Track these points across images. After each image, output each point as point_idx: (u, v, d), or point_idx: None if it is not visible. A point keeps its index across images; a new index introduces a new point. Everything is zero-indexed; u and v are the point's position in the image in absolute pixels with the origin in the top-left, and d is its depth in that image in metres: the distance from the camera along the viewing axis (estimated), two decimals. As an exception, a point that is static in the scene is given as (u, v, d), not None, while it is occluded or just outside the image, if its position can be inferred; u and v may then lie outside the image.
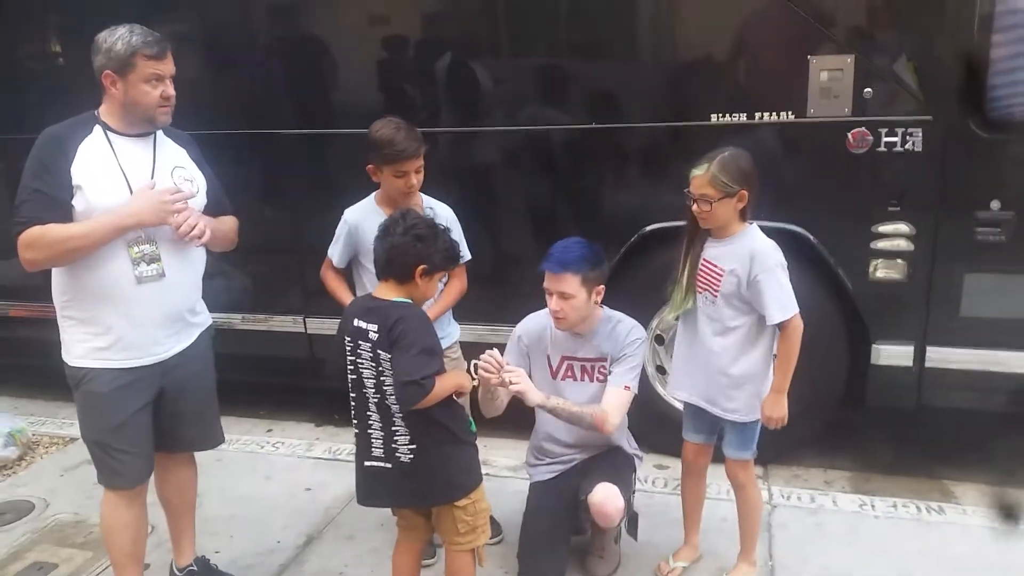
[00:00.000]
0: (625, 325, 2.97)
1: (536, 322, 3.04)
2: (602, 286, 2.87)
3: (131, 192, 2.52)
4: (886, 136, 3.31)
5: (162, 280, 2.58)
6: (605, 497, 2.88)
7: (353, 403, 2.53)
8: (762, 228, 3.39)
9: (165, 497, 2.99)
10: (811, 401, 3.66)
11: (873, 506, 3.50)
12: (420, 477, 2.50)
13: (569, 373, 3.01)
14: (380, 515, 3.47)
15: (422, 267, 2.43)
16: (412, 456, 2.47)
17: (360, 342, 2.44)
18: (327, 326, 4.15)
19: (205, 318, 2.85)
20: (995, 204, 3.26)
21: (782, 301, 2.62)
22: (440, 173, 3.40)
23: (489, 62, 3.85)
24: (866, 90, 3.29)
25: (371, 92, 4.04)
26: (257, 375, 4.65)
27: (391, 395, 2.42)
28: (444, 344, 3.07)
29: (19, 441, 4.26)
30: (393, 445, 2.48)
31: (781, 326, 2.65)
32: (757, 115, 3.43)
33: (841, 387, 3.67)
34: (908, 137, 3.29)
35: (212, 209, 2.75)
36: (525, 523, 3.10)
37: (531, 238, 3.86)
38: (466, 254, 3.04)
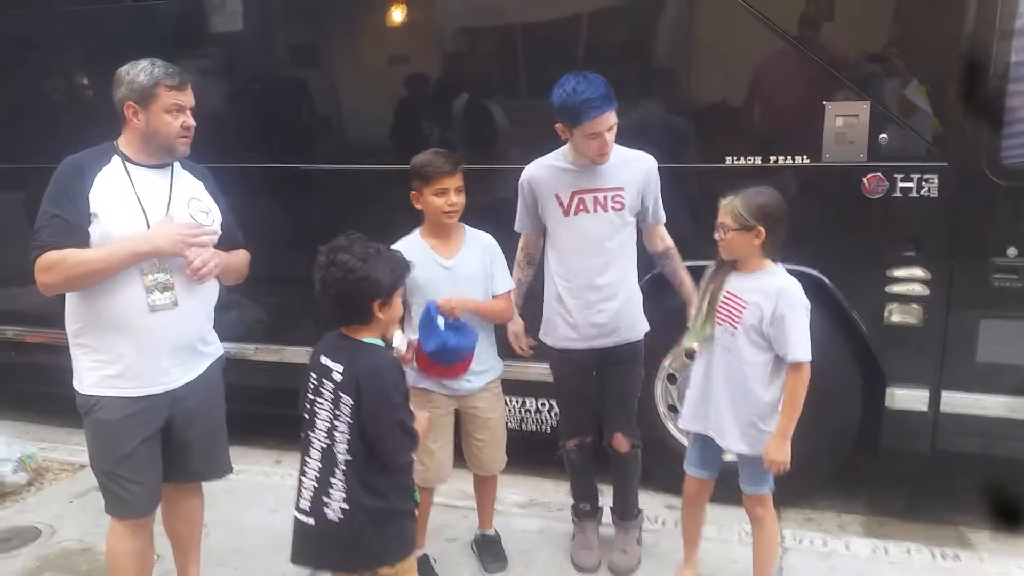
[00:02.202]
0: (640, 162, 3.06)
1: (540, 165, 3.08)
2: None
3: (147, 221, 2.55)
4: (901, 181, 3.32)
5: (175, 309, 2.60)
6: (622, 441, 3.22)
7: (300, 444, 2.40)
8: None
9: (172, 527, 2.98)
10: (825, 444, 3.66)
11: (887, 551, 3.45)
12: (345, 538, 2.32)
13: (582, 207, 3.02)
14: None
15: (377, 302, 2.31)
16: (342, 516, 2.30)
17: (324, 380, 2.33)
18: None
19: (216, 348, 2.85)
20: (1011, 251, 3.26)
21: (803, 342, 2.65)
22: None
23: (506, 103, 3.90)
24: (881, 136, 3.31)
25: (384, 128, 4.08)
26: (269, 406, 4.65)
27: (340, 443, 2.29)
28: (488, 378, 3.12)
29: (29, 467, 4.26)
30: (324, 499, 2.31)
31: (794, 367, 2.67)
32: (772, 159, 3.44)
33: (856, 431, 3.64)
34: (924, 183, 3.30)
35: (225, 242, 2.77)
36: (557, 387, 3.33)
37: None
38: (508, 283, 3.12)
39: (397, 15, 3.97)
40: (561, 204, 3.07)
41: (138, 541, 2.73)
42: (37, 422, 5.04)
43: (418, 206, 3.01)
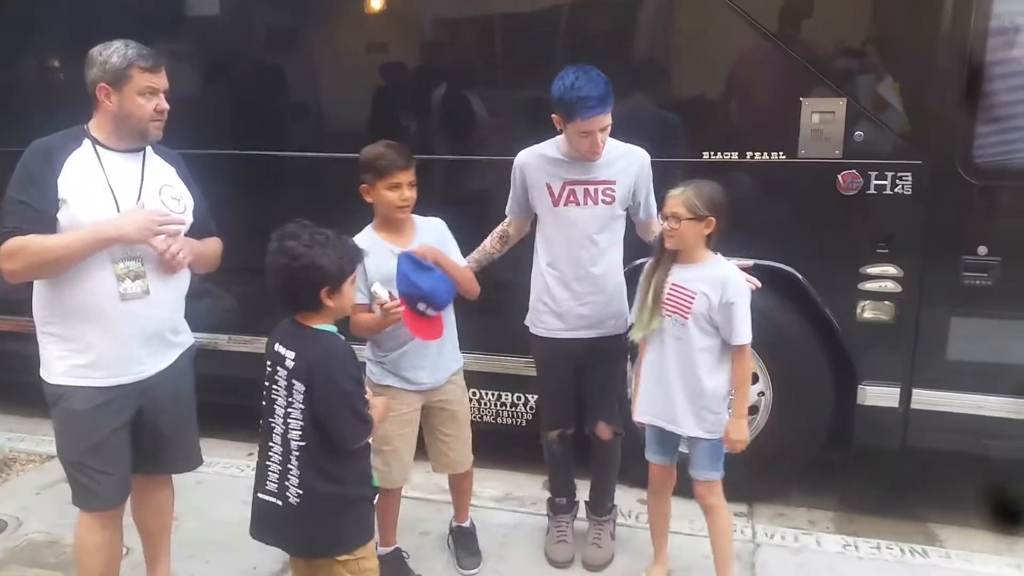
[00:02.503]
0: (633, 156, 3.07)
1: (532, 153, 3.09)
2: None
3: (117, 207, 2.50)
4: (876, 179, 3.35)
5: (146, 298, 2.56)
6: (605, 429, 3.25)
7: (260, 430, 2.40)
8: (753, 267, 3.46)
9: (142, 519, 2.94)
10: (797, 440, 3.68)
11: (856, 547, 3.47)
12: (304, 522, 2.34)
13: (572, 198, 3.03)
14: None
15: (325, 289, 2.31)
16: (298, 500, 2.32)
17: (278, 367, 2.33)
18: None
19: (187, 338, 2.81)
20: (982, 249, 3.29)
21: (748, 325, 2.78)
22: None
23: (486, 94, 3.89)
24: (857, 133, 3.33)
25: (360, 116, 4.05)
26: (242, 397, 4.61)
27: (294, 430, 2.31)
28: (452, 370, 3.10)
29: (-4, 457, 4.21)
30: (286, 482, 2.34)
31: (739, 349, 2.80)
32: (749, 154, 3.45)
33: (827, 427, 3.66)
34: (898, 180, 3.32)
35: (198, 229, 2.74)
36: (540, 377, 3.33)
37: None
38: (462, 262, 3.08)
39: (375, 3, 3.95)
40: (552, 194, 3.06)
41: (107, 534, 2.69)
42: (4, 411, 4.97)
43: (368, 199, 2.94)
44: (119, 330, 2.53)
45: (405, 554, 3.30)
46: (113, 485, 2.63)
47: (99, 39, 2.56)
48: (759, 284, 2.88)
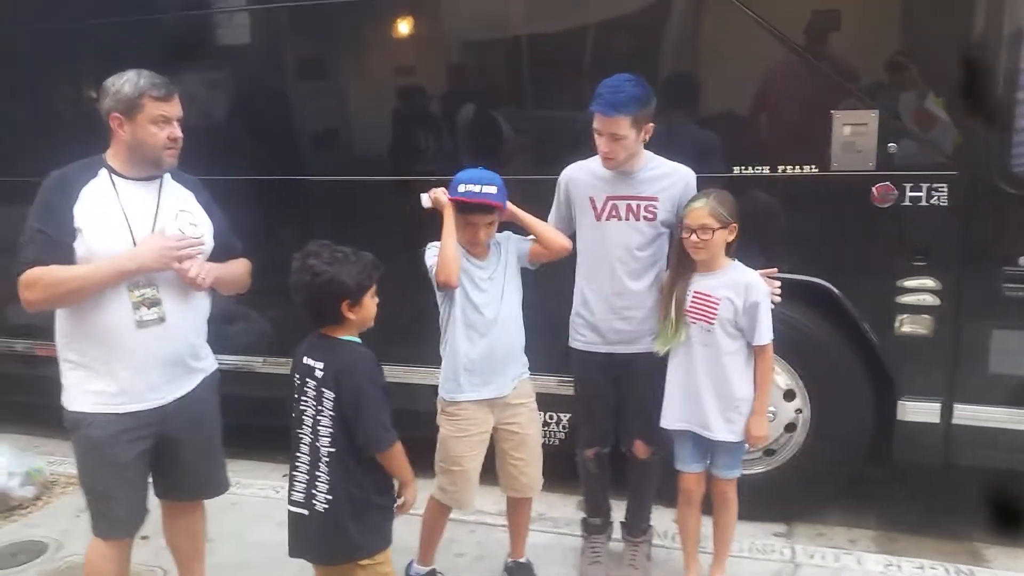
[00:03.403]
0: (678, 175, 3.07)
1: (580, 167, 3.14)
2: (651, 124, 2.95)
3: (133, 237, 2.51)
4: (911, 191, 3.30)
5: (162, 324, 2.55)
6: (642, 448, 3.23)
7: (292, 441, 2.53)
8: (787, 281, 3.42)
9: (174, 542, 2.94)
10: (836, 457, 3.62)
11: (899, 567, 3.39)
12: (329, 527, 2.46)
13: (614, 213, 3.05)
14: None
15: (346, 302, 2.44)
16: (327, 506, 2.44)
17: (307, 379, 2.46)
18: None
19: (210, 364, 2.80)
20: (1022, 260, 3.22)
21: (769, 326, 2.88)
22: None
23: (514, 113, 3.91)
24: (890, 145, 3.29)
25: (394, 141, 4.09)
26: (278, 419, 4.64)
27: (324, 436, 2.44)
28: (521, 373, 3.10)
29: (36, 480, 4.26)
30: (313, 491, 2.46)
31: (762, 349, 2.89)
32: (780, 168, 3.42)
33: (867, 443, 3.60)
34: (933, 192, 3.27)
35: (221, 252, 2.74)
36: (577, 392, 3.33)
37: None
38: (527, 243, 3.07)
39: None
40: (594, 208, 3.07)
41: (120, 563, 2.68)
42: (44, 435, 5.03)
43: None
44: (136, 357, 2.53)
45: (441, 575, 3.29)
46: (131, 513, 2.63)
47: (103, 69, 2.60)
48: (779, 291, 2.95)
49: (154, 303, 2.53)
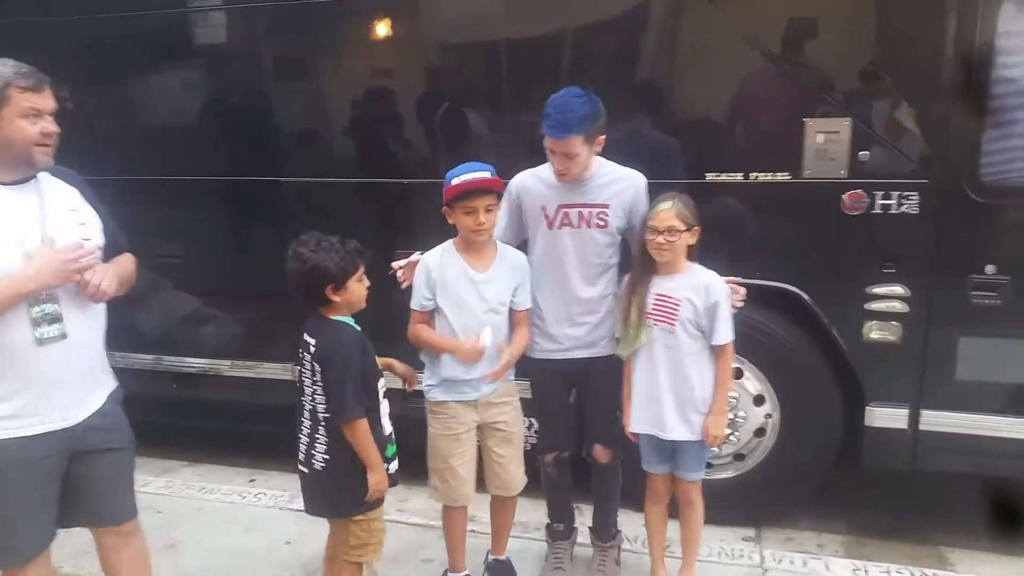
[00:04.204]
0: (628, 181, 3.06)
1: (531, 175, 3.11)
2: (603, 136, 2.93)
3: (19, 244, 2.29)
4: (882, 198, 3.32)
5: (64, 341, 2.37)
6: (602, 452, 3.23)
7: (296, 407, 2.80)
8: (758, 287, 3.44)
9: (120, 574, 2.72)
10: (805, 462, 3.64)
11: (867, 571, 3.42)
12: (328, 487, 2.76)
13: (566, 221, 3.04)
14: (361, 572, 3.40)
15: (330, 286, 2.68)
16: (324, 465, 2.73)
17: (305, 353, 2.73)
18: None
19: (111, 379, 2.62)
20: (990, 268, 3.26)
21: (730, 326, 2.91)
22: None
23: (488, 115, 3.88)
24: (862, 152, 3.31)
25: (365, 142, 4.05)
26: (244, 423, 4.59)
27: (320, 403, 2.69)
28: (485, 390, 3.06)
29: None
30: (312, 451, 2.74)
31: (722, 349, 2.92)
32: (753, 175, 3.44)
33: (835, 449, 3.62)
34: (904, 200, 3.30)
35: (110, 249, 2.55)
36: (536, 400, 3.30)
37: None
38: (524, 304, 3.08)
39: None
40: (546, 216, 3.06)
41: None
42: None
43: (450, 221, 2.99)
44: (38, 377, 2.35)
45: None
46: (33, 539, 2.46)
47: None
48: (743, 299, 3.00)
49: (55, 319, 2.35)
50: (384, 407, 2.84)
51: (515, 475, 3.18)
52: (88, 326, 2.46)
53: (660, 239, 2.87)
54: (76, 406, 2.45)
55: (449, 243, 3.06)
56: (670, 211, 2.84)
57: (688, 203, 2.88)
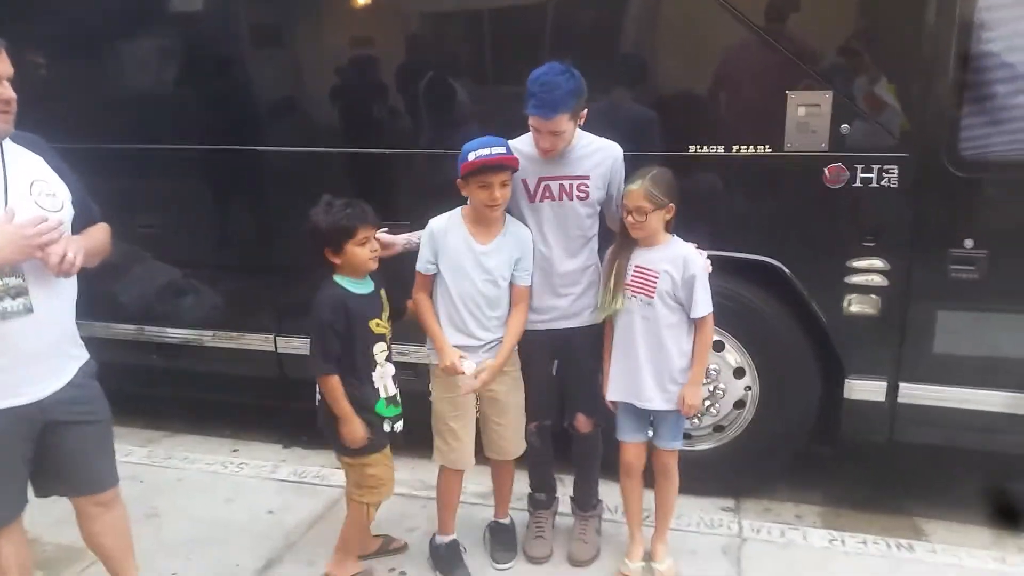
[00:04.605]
0: (606, 152, 3.06)
1: (513, 146, 3.06)
2: (585, 110, 2.93)
3: None
4: (862, 172, 3.32)
5: (30, 316, 2.31)
6: (584, 421, 3.27)
7: None
8: (739, 260, 3.45)
9: (99, 546, 2.73)
10: (784, 434, 3.67)
11: (843, 542, 3.46)
12: (323, 424, 3.05)
13: (547, 194, 3.05)
14: (343, 541, 3.43)
15: (327, 248, 2.87)
16: (318, 404, 3.02)
17: None
18: (298, 345, 4.11)
19: (83, 352, 2.57)
20: (969, 242, 3.27)
21: (708, 298, 2.95)
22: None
23: (471, 88, 3.86)
24: (843, 126, 3.31)
25: (344, 111, 4.02)
26: (226, 394, 4.59)
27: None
28: (481, 356, 3.08)
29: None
30: (316, 392, 3.02)
31: (701, 321, 2.96)
32: (735, 148, 3.44)
33: (813, 421, 3.65)
34: (884, 173, 3.30)
35: (80, 219, 2.48)
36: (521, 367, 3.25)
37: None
38: (523, 279, 3.09)
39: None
40: (527, 189, 3.06)
41: (14, 542, 2.51)
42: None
43: (464, 193, 2.99)
44: (4, 351, 2.30)
45: (463, 548, 3.33)
46: (4, 509, 2.45)
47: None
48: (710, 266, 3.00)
49: (20, 292, 2.28)
50: (387, 370, 3.03)
51: (513, 442, 3.23)
52: (56, 300, 2.40)
53: (630, 218, 2.91)
54: (44, 380, 2.41)
55: (457, 211, 3.07)
56: (638, 191, 2.87)
57: (659, 181, 2.88)
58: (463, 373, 2.97)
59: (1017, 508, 3.63)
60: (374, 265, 2.97)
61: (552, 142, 2.91)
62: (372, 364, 2.99)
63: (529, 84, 2.84)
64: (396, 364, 3.12)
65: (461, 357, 2.99)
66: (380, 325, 3.00)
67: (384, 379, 3.03)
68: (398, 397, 3.09)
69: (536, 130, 2.91)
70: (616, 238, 3.05)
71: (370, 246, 2.92)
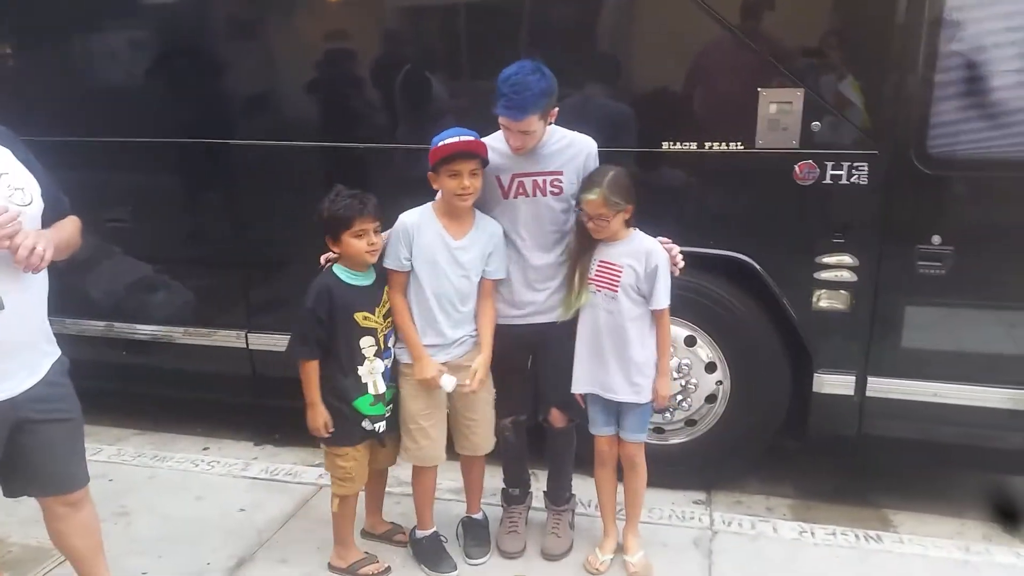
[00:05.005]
0: (579, 146, 3.07)
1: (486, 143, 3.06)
2: (556, 108, 2.95)
3: None
4: (832, 169, 3.36)
5: (0, 312, 2.28)
6: (559, 416, 3.29)
7: None
8: (709, 256, 3.46)
9: (68, 547, 2.68)
10: (755, 428, 3.71)
11: (813, 534, 3.51)
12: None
13: (521, 190, 3.06)
14: (315, 539, 3.42)
15: (327, 237, 2.92)
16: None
17: None
18: (270, 342, 4.08)
19: (55, 348, 2.53)
20: (936, 239, 3.32)
21: (668, 290, 2.99)
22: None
23: (447, 82, 3.84)
24: (814, 123, 3.34)
25: (317, 105, 4.00)
26: (197, 391, 4.54)
27: None
28: (454, 352, 3.11)
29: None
30: None
31: (660, 313, 3.01)
32: (707, 144, 3.46)
33: (783, 415, 3.69)
34: (854, 170, 3.34)
35: (50, 212, 2.42)
36: (494, 365, 3.23)
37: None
38: (498, 272, 3.11)
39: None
40: (501, 186, 3.07)
41: None
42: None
43: (435, 186, 3.00)
44: None
45: (443, 538, 3.34)
46: None
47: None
48: (682, 261, 3.04)
49: None
50: (375, 365, 3.01)
51: (484, 437, 3.25)
52: (26, 295, 2.36)
53: (591, 224, 2.95)
54: (16, 376, 2.37)
55: (428, 206, 3.07)
56: (597, 200, 2.89)
57: (617, 186, 2.89)
58: (440, 387, 3.02)
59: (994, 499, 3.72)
60: (372, 259, 2.96)
61: (523, 140, 2.93)
62: (359, 358, 2.99)
63: (499, 84, 2.84)
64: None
65: (440, 371, 3.03)
66: (368, 319, 2.97)
67: (374, 375, 3.02)
68: (388, 397, 3.08)
69: (506, 128, 2.93)
70: (575, 236, 3.07)
71: (368, 239, 2.91)
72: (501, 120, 2.90)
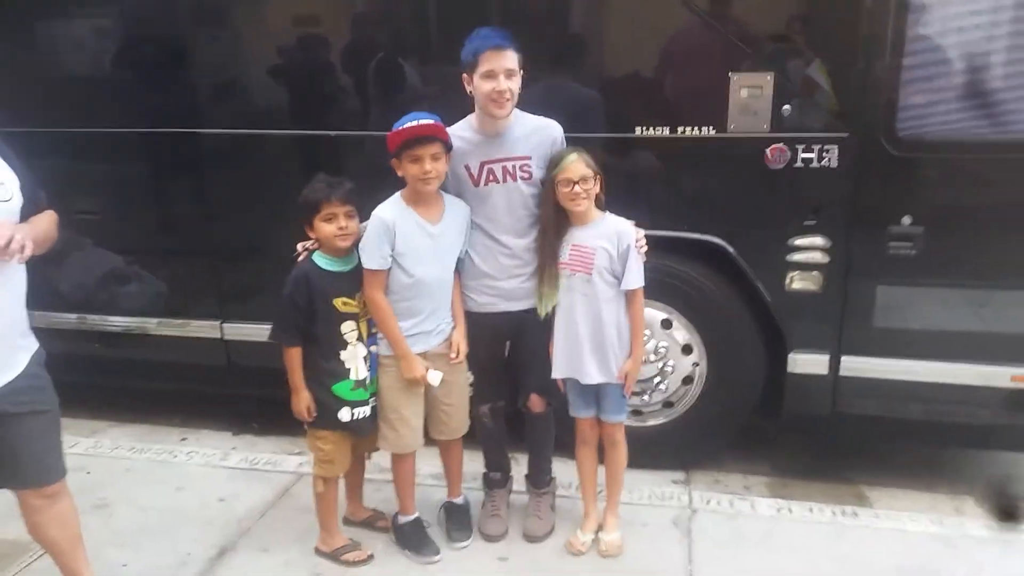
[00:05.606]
0: (546, 131, 3.10)
1: (450, 134, 3.04)
2: (522, 71, 2.97)
3: None
4: (803, 152, 3.39)
5: None
6: (537, 401, 3.31)
7: None
8: (683, 240, 3.49)
9: (46, 538, 2.68)
10: (731, 408, 3.76)
11: (790, 510, 3.57)
12: None
13: (492, 177, 3.07)
14: (296, 528, 3.42)
15: (304, 223, 2.95)
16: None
17: None
18: (245, 332, 4.07)
19: (33, 341, 2.53)
20: (906, 219, 3.36)
21: (641, 271, 3.01)
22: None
23: (418, 68, 3.83)
24: (784, 107, 3.37)
25: (289, 93, 3.97)
26: (173, 382, 4.52)
27: None
28: (433, 341, 3.13)
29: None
30: None
31: (633, 294, 3.02)
32: (680, 129, 3.48)
33: (759, 394, 3.74)
34: (824, 153, 3.37)
35: (29, 207, 2.44)
36: (471, 353, 3.25)
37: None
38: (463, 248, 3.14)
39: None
40: (471, 175, 3.07)
41: None
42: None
43: (399, 173, 2.99)
44: None
45: (426, 523, 3.36)
46: None
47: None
48: (644, 244, 3.05)
49: None
50: (357, 350, 3.03)
51: (461, 420, 3.29)
52: (3, 288, 2.36)
53: (577, 188, 2.93)
54: None
55: (397, 197, 3.05)
56: (579, 162, 2.92)
57: (587, 153, 2.97)
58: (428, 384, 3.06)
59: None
60: (342, 244, 2.96)
61: (508, 84, 2.89)
62: (340, 343, 3.01)
63: (471, 37, 2.88)
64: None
65: (427, 368, 3.05)
66: (348, 304, 3.00)
67: (355, 360, 3.04)
68: (368, 382, 3.09)
69: (490, 75, 2.88)
70: (540, 227, 3.07)
71: (337, 223, 2.92)
72: (483, 65, 2.87)
